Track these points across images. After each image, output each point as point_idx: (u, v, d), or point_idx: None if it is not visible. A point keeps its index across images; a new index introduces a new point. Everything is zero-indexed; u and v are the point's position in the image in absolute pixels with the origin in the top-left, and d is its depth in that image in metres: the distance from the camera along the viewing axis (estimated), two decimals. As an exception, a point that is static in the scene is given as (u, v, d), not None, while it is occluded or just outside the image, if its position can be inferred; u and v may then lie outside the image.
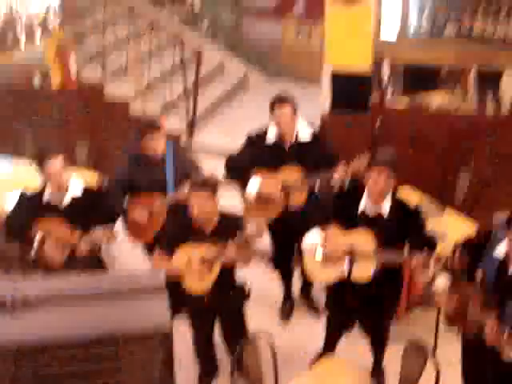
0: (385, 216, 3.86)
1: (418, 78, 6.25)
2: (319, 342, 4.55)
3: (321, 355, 4.47)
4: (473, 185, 5.63)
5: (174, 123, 6.83)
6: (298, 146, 4.60)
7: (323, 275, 4.08)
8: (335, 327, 4.46)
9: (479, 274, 3.51)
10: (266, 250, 5.33)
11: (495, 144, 5.52)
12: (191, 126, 7.05)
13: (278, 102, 4.51)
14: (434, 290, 3.70)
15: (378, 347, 4.32)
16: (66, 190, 4.30)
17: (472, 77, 6.01)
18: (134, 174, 4.63)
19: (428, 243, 3.86)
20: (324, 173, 4.45)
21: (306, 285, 5.22)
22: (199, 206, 3.90)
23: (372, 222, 3.84)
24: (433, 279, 3.75)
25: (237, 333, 4.21)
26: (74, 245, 4.22)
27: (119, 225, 4.67)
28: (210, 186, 3.99)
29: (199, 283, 4.01)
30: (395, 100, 6.19)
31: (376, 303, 4.08)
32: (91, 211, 4.34)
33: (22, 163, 5.78)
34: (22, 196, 4.48)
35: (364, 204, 3.89)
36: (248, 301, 4.30)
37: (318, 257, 3.96)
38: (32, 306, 1.42)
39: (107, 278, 1.62)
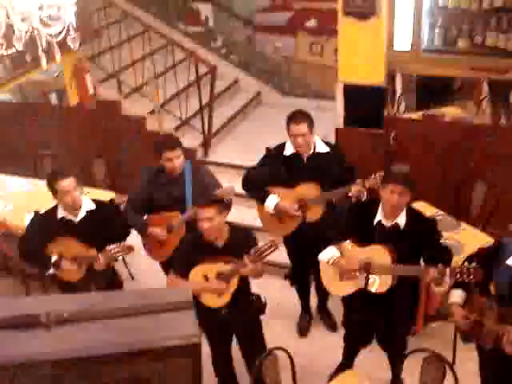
0: (401, 227, 3.88)
1: (431, 91, 6.28)
2: (338, 355, 4.56)
3: (339, 369, 4.49)
4: (489, 197, 5.62)
5: (189, 140, 6.89)
6: (317, 156, 4.63)
7: (340, 289, 4.11)
8: (353, 341, 4.48)
9: (492, 286, 3.52)
10: (279, 263, 5.40)
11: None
12: (206, 143, 7.10)
13: (294, 118, 4.53)
14: (448, 304, 3.71)
15: (396, 360, 4.31)
16: (79, 210, 4.37)
17: (485, 89, 6.03)
18: (153, 191, 4.67)
19: (443, 256, 3.87)
20: (342, 187, 4.46)
21: (323, 299, 5.24)
22: (207, 223, 3.93)
23: (389, 234, 3.86)
24: (447, 293, 3.77)
25: (255, 347, 4.22)
26: (91, 260, 4.28)
27: (137, 241, 4.72)
28: (217, 201, 4.02)
29: (218, 299, 4.04)
30: (409, 113, 6.22)
31: (393, 316, 4.10)
32: (105, 226, 4.40)
33: (42, 183, 5.87)
34: (36, 217, 4.55)
35: (379, 217, 3.91)
36: (264, 314, 4.31)
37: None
38: (66, 322, 1.47)
39: (138, 293, 1.66)
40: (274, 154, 4.73)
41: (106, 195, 5.59)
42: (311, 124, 4.54)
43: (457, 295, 3.63)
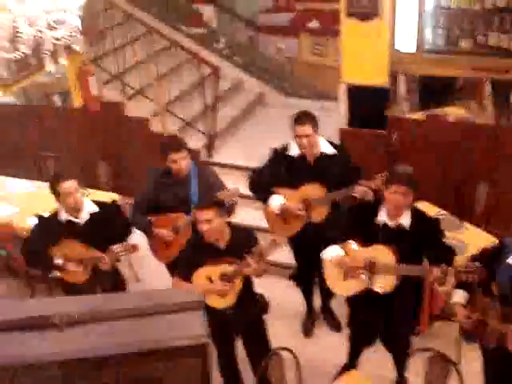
0: (405, 226, 3.90)
1: (434, 91, 6.29)
2: (342, 355, 4.58)
3: (344, 368, 4.51)
4: (491, 197, 5.64)
5: (193, 141, 6.91)
6: (323, 158, 4.64)
7: (344, 289, 4.13)
8: (357, 340, 4.50)
9: (495, 286, 3.55)
10: (283, 264, 5.42)
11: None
12: (210, 144, 7.12)
13: (298, 119, 4.54)
14: (451, 305, 3.73)
15: (401, 359, 4.34)
16: (81, 211, 4.39)
17: (487, 89, 6.04)
18: (160, 193, 4.69)
19: (447, 255, 3.90)
20: (347, 187, 4.47)
21: (326, 299, 5.25)
22: (206, 225, 3.95)
23: (393, 234, 3.88)
24: (450, 293, 3.79)
25: (259, 347, 4.25)
26: (97, 261, 4.31)
27: (142, 241, 4.74)
28: (215, 203, 4.04)
29: (222, 300, 4.06)
30: (412, 113, 6.23)
31: (397, 316, 4.12)
32: (108, 227, 4.43)
33: (45, 185, 5.91)
34: (39, 221, 4.56)
35: (383, 218, 3.93)
36: (268, 313, 4.33)
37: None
38: (77, 323, 1.49)
39: (147, 294, 1.68)
40: (280, 156, 4.74)
41: (109, 197, 5.60)
42: (316, 125, 4.55)
43: (459, 295, 3.65)
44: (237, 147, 7.39)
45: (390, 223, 3.90)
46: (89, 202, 4.47)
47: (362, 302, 4.08)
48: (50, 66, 3.44)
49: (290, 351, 3.78)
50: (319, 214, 4.62)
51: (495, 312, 3.43)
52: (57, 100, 8.13)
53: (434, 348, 3.69)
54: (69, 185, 4.28)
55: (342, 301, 4.51)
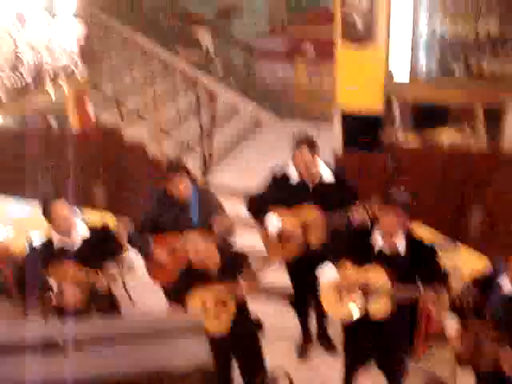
0: (402, 254, 3.92)
1: (428, 116, 6.36)
2: (338, 378, 4.58)
3: (340, 392, 4.51)
4: (485, 221, 5.69)
5: (189, 164, 6.94)
6: (322, 187, 4.65)
7: (339, 310, 4.14)
8: (352, 364, 4.50)
9: (488, 310, 3.58)
10: (279, 287, 5.43)
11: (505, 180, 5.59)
12: (206, 167, 7.17)
13: (297, 142, 4.58)
14: (445, 331, 3.76)
15: (397, 383, 4.35)
16: (73, 233, 4.40)
17: (479, 113, 6.11)
18: (159, 215, 4.72)
19: (442, 279, 3.92)
20: (343, 212, 4.48)
21: (322, 323, 5.26)
22: (195, 250, 3.99)
23: (389, 260, 3.91)
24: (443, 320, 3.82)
25: (255, 369, 4.26)
26: (93, 282, 4.32)
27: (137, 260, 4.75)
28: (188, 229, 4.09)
29: (218, 323, 4.07)
30: (406, 138, 6.29)
31: (392, 340, 4.13)
32: (101, 249, 4.44)
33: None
34: (32, 247, 4.57)
35: (378, 242, 3.96)
36: (263, 334, 4.35)
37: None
38: (81, 346, 1.52)
39: (149, 317, 1.70)
40: (279, 179, 4.79)
41: (104, 215, 5.62)
42: (315, 149, 4.58)
43: (452, 325, 3.68)
44: (232, 170, 7.42)
45: (385, 247, 3.93)
46: (80, 224, 4.50)
47: (358, 325, 4.09)
48: (50, 91, 3.49)
49: (286, 373, 3.78)
50: (316, 238, 4.64)
51: (489, 336, 3.45)
52: (53, 123, 8.16)
53: (430, 370, 3.71)
54: (60, 207, 4.31)
55: (338, 324, 4.53)
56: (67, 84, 3.73)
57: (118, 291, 5.28)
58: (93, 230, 4.54)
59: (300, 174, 4.63)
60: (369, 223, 4.24)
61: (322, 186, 4.65)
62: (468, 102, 5.81)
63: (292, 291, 5.17)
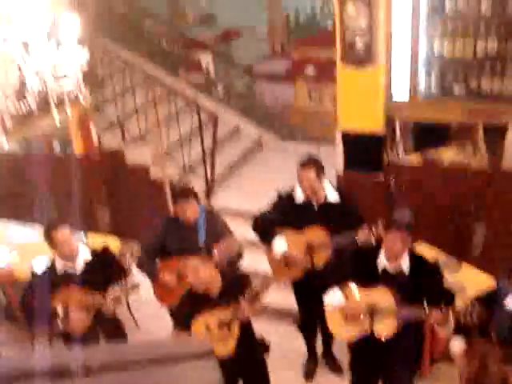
0: (406, 273, 3.94)
1: (429, 135, 6.40)
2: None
3: (346, 413, 4.49)
4: (488, 239, 5.70)
5: (192, 186, 6.98)
6: (327, 206, 4.68)
7: (346, 333, 4.15)
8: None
9: (493, 329, 3.58)
10: (284, 308, 5.43)
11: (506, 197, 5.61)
12: (209, 189, 7.20)
13: (303, 164, 4.61)
14: (451, 350, 3.76)
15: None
16: (76, 257, 4.43)
17: (480, 132, 6.15)
18: (167, 238, 4.74)
19: (447, 298, 3.94)
20: (349, 233, 4.49)
21: (328, 343, 5.25)
22: (195, 274, 4.01)
23: (393, 279, 3.92)
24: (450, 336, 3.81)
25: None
26: (98, 305, 4.33)
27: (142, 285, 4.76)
28: (195, 253, 4.11)
29: (223, 346, 4.08)
30: (407, 157, 6.33)
31: (399, 359, 4.13)
32: (104, 272, 4.48)
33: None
34: (34, 274, 4.57)
35: (383, 262, 3.97)
36: (269, 355, 4.34)
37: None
38: (92, 373, 1.53)
39: (162, 343, 1.70)
40: (285, 200, 4.81)
41: (109, 240, 5.63)
42: (321, 171, 4.61)
43: (457, 343, 3.68)
44: (235, 192, 7.46)
45: (390, 267, 3.95)
46: (83, 249, 4.52)
47: (364, 345, 4.09)
48: (55, 116, 3.53)
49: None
50: (322, 259, 4.65)
51: (495, 355, 3.45)
52: (57, 148, 8.22)
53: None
54: (63, 233, 4.33)
55: (344, 344, 4.53)
56: (71, 109, 3.77)
57: (122, 314, 5.30)
58: (94, 253, 4.56)
59: (305, 195, 4.66)
60: (374, 244, 4.26)
61: (327, 205, 4.68)
62: (468, 121, 5.85)
63: (298, 313, 5.17)
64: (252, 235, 4.99)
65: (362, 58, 5.56)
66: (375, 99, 5.67)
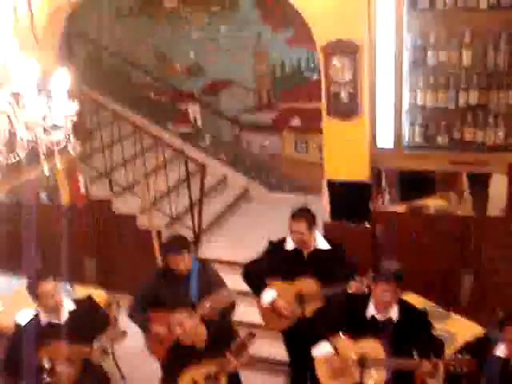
0: (394, 320, 3.93)
1: (414, 184, 6.47)
2: None
3: None
4: (476, 286, 5.72)
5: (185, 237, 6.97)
6: (317, 253, 4.69)
7: (335, 384, 4.11)
8: None
9: (482, 379, 3.56)
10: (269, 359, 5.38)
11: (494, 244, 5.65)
12: (196, 239, 7.20)
13: (294, 215, 4.65)
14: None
15: None
16: (60, 310, 4.38)
17: (465, 180, 6.23)
18: (159, 289, 4.65)
19: (436, 348, 3.92)
20: (341, 282, 4.48)
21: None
22: (180, 328, 3.98)
23: (382, 327, 3.91)
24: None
25: None
26: (86, 356, 4.27)
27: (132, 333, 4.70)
28: (188, 304, 4.09)
29: None
30: (393, 206, 6.38)
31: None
32: (88, 321, 4.42)
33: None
34: (19, 327, 4.52)
35: (371, 311, 3.97)
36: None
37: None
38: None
39: None
40: (275, 248, 4.81)
41: (95, 293, 5.56)
42: (311, 223, 4.64)
43: None
44: (222, 242, 7.46)
45: (379, 317, 3.94)
46: (67, 301, 4.48)
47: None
48: (45, 167, 3.55)
49: None
50: (313, 309, 4.62)
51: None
52: (44, 198, 8.21)
53: None
54: (48, 286, 4.29)
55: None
56: (60, 159, 3.79)
57: (109, 367, 5.22)
58: (78, 302, 4.52)
59: (294, 243, 4.69)
60: (365, 295, 4.25)
61: (317, 255, 4.70)
62: (452, 170, 5.94)
63: (288, 366, 5.13)
64: (238, 285, 4.98)
65: (346, 110, 5.67)
66: (360, 149, 5.76)
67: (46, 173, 3.41)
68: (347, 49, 5.45)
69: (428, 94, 5.64)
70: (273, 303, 4.67)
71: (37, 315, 4.44)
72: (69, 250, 7.11)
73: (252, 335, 4.12)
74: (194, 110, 8.84)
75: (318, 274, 4.60)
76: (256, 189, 8.71)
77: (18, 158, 3.49)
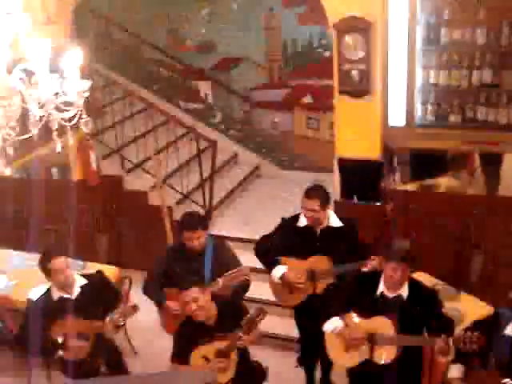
0: (404, 298, 3.95)
1: (426, 162, 6.45)
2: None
3: None
4: (486, 266, 5.72)
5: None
6: (330, 230, 4.69)
7: (345, 359, 4.14)
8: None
9: (492, 357, 3.57)
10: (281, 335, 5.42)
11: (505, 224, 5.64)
12: (207, 216, 7.22)
13: (308, 192, 4.63)
14: (448, 379, 3.75)
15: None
16: (72, 287, 4.43)
17: (476, 160, 6.21)
18: (174, 265, 4.67)
19: (446, 326, 3.94)
20: (353, 261, 4.50)
21: (326, 370, 5.23)
22: (194, 304, 4.01)
23: (392, 306, 3.93)
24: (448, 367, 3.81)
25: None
26: (98, 330, 4.33)
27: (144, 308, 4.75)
28: (199, 281, 4.12)
29: (222, 376, 4.07)
30: (404, 185, 6.37)
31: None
32: (99, 296, 4.47)
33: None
34: (31, 303, 4.57)
35: (382, 289, 3.99)
36: (267, 381, 4.34)
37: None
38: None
39: (165, 375, 1.70)
40: (288, 225, 4.82)
41: (107, 269, 5.60)
42: (324, 201, 4.61)
43: (456, 369, 3.68)
44: (233, 219, 7.49)
45: (389, 295, 3.96)
46: (78, 277, 4.52)
47: (363, 373, 4.09)
48: (57, 144, 3.56)
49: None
50: (324, 286, 4.65)
51: (494, 383, 3.45)
52: (55, 174, 8.25)
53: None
54: (59, 262, 4.32)
55: (342, 373, 4.51)
56: (72, 136, 3.81)
57: (121, 342, 5.29)
58: (88, 278, 4.57)
59: (307, 221, 4.69)
60: (377, 272, 4.27)
61: (329, 232, 4.69)
62: (464, 149, 5.91)
63: (298, 341, 5.17)
64: (249, 262, 5.00)
65: (358, 87, 5.64)
66: (372, 127, 5.74)
67: (58, 149, 3.42)
68: (360, 26, 5.41)
69: (441, 73, 5.60)
70: (283, 277, 4.69)
71: (49, 290, 4.48)
72: (80, 226, 7.18)
73: (263, 312, 4.14)
74: (205, 87, 8.82)
75: (329, 251, 4.61)
76: (266, 166, 8.71)
77: (30, 134, 3.50)
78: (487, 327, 3.69)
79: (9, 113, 3.25)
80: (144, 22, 8.81)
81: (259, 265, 4.98)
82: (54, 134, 3.49)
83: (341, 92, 5.73)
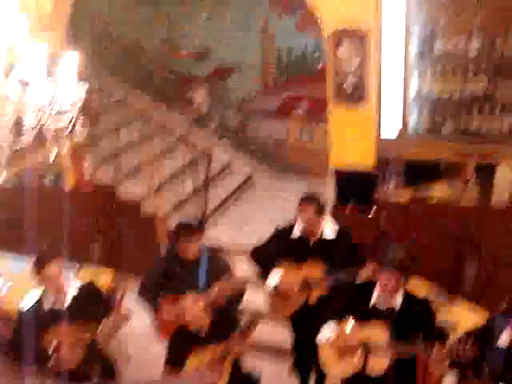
0: (396, 309, 3.95)
1: (420, 172, 6.47)
2: None
3: None
4: (480, 273, 5.72)
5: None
6: (322, 242, 4.70)
7: (339, 368, 4.14)
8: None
9: (485, 367, 3.57)
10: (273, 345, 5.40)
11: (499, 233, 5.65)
12: (202, 225, 7.21)
13: (303, 201, 4.65)
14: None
15: None
16: (65, 293, 4.39)
17: (470, 169, 6.23)
18: (168, 274, 4.65)
19: (440, 334, 3.94)
20: (347, 271, 4.49)
21: (320, 379, 5.22)
22: (187, 312, 4.01)
23: (384, 315, 3.93)
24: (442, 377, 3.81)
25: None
26: (92, 338, 4.31)
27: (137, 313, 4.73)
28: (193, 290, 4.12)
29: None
30: (398, 193, 6.38)
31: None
32: (91, 305, 4.42)
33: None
34: (22, 313, 4.49)
35: (376, 297, 3.99)
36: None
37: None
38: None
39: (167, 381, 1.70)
40: (282, 234, 4.83)
41: (104, 272, 5.57)
42: (320, 210, 4.64)
43: (450, 380, 3.67)
44: (226, 227, 7.48)
45: (382, 305, 3.96)
46: (71, 285, 4.50)
47: (357, 381, 4.08)
48: (51, 151, 3.57)
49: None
50: (317, 296, 4.65)
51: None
52: (48, 182, 8.22)
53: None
54: (52, 269, 4.30)
55: (338, 380, 4.50)
56: (65, 143, 3.81)
57: (113, 349, 5.26)
58: (80, 288, 4.54)
59: (302, 230, 4.70)
60: (371, 282, 4.26)
61: (322, 242, 4.70)
62: (457, 160, 5.93)
63: (292, 350, 5.16)
64: (242, 271, 4.99)
65: (353, 97, 5.66)
66: (366, 137, 5.75)
67: (52, 158, 3.41)
68: (354, 36, 5.43)
69: (435, 83, 5.62)
70: (277, 287, 4.69)
71: (39, 301, 4.45)
72: (73, 233, 7.15)
73: (255, 321, 4.14)
74: (199, 95, 8.83)
75: (323, 260, 4.61)
76: (261, 175, 8.71)
77: (24, 143, 3.50)
78: (480, 337, 3.69)
79: (1, 123, 3.25)
80: (140, 28, 8.81)
81: (253, 274, 4.97)
82: (48, 142, 3.49)
83: (335, 101, 5.74)
